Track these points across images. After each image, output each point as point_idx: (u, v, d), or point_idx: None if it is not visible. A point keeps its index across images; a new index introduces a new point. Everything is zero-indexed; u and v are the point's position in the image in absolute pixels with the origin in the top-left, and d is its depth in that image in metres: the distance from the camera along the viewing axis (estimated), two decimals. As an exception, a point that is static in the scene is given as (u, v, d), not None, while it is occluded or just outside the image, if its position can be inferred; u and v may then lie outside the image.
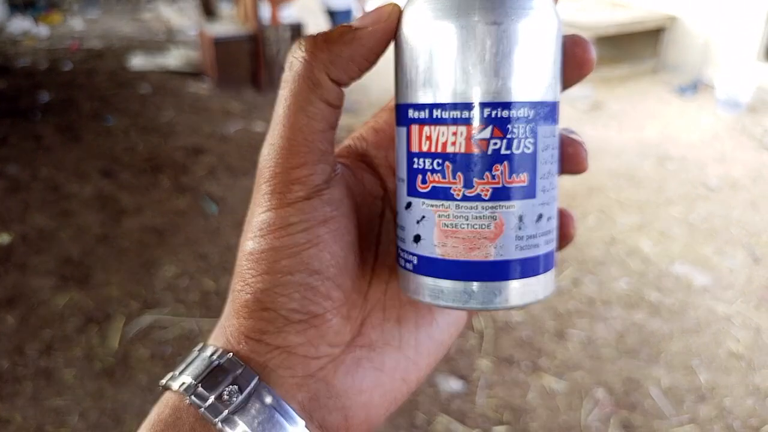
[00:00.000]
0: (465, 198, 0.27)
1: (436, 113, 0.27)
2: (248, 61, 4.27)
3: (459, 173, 0.27)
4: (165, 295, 2.07)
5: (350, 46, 0.28)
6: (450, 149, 0.27)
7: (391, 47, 0.30)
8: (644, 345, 1.91)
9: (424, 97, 0.28)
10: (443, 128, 0.27)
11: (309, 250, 0.28)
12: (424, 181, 0.28)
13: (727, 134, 3.65)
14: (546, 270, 0.29)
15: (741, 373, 1.81)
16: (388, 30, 0.29)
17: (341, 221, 0.29)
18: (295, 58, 0.29)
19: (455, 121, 0.27)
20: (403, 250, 0.30)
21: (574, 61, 0.29)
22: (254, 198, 0.30)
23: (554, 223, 0.29)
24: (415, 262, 0.29)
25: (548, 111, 0.28)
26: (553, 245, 0.30)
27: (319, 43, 0.28)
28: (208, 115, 3.81)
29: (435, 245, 0.28)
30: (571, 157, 0.31)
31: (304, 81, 0.28)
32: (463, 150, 0.27)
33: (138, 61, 4.92)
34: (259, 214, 0.29)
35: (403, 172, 0.29)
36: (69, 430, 1.56)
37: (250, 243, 0.29)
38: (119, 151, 3.23)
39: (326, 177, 0.29)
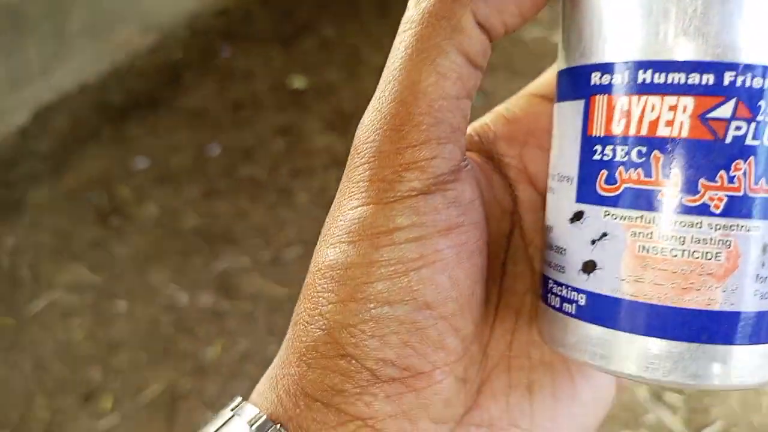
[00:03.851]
0: (683, 209, 0.16)
1: (642, 76, 0.17)
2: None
3: (675, 170, 0.16)
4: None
5: None
6: (662, 132, 0.17)
7: None
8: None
9: (619, 53, 0.17)
10: (654, 99, 0.16)
11: (421, 271, 0.18)
12: (611, 180, 0.17)
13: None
14: None
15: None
16: None
17: (471, 233, 0.19)
18: None
19: (674, 89, 0.16)
20: (560, 284, 0.19)
21: None
22: (343, 186, 0.19)
23: None
24: (582, 302, 0.18)
25: None
26: None
27: None
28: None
29: (623, 279, 0.17)
30: None
31: (439, 23, 0.17)
32: (685, 134, 0.16)
33: None
34: (348, 210, 0.18)
35: (569, 167, 0.19)
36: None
37: (330, 251, 0.18)
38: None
39: (454, 165, 0.18)
